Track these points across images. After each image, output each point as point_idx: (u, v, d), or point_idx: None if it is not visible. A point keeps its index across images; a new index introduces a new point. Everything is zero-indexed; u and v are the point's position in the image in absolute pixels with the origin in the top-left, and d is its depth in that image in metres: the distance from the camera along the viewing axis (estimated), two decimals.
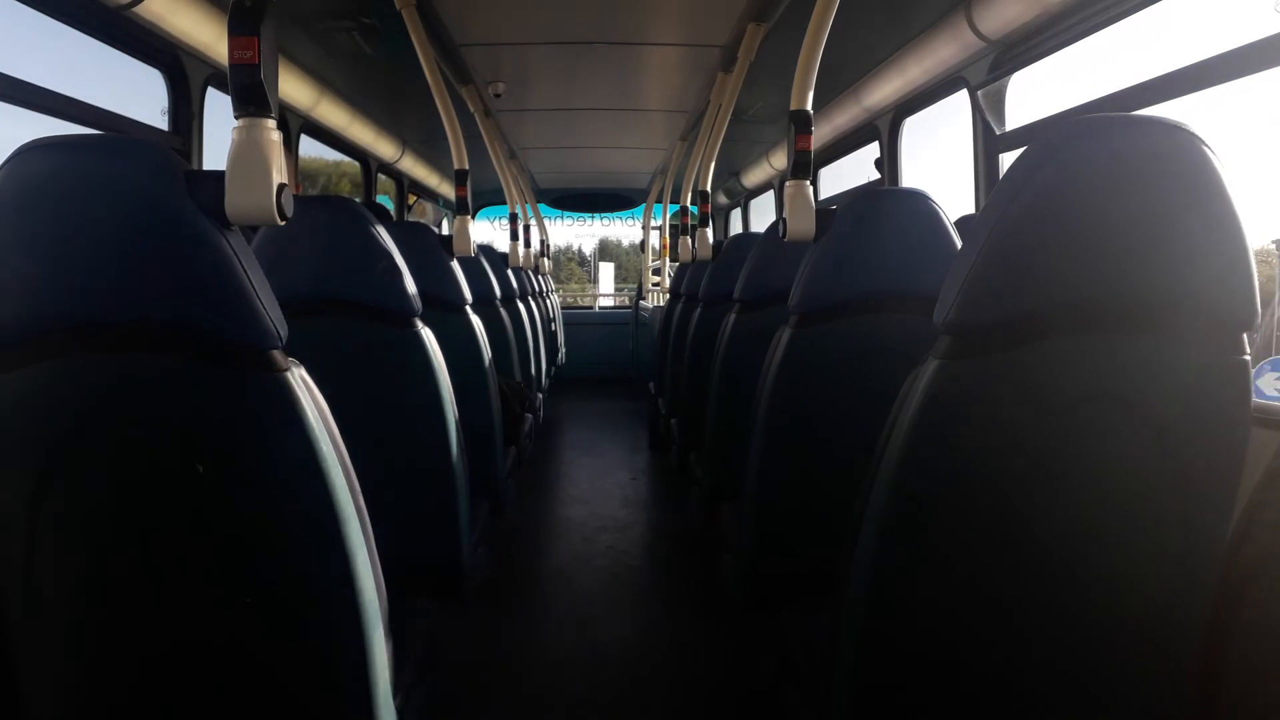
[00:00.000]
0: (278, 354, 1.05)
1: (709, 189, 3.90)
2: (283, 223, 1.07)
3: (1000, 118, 2.93)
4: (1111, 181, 0.97)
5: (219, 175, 1.02)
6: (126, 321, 1.00)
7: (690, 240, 3.92)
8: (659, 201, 6.64)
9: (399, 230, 2.34)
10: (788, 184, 1.79)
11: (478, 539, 2.20)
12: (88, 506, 1.07)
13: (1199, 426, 1.05)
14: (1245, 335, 1.04)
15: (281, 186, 1.05)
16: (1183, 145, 0.98)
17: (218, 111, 2.92)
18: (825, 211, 1.72)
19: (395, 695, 1.23)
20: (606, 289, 14.62)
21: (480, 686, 2.19)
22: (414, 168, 5.85)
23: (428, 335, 1.84)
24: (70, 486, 1.05)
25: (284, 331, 1.06)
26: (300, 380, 1.07)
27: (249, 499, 1.07)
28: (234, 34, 1.03)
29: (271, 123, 1.06)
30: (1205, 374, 1.04)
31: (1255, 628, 1.13)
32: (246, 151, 1.04)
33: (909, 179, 3.83)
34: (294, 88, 3.56)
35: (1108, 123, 0.98)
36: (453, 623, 2.50)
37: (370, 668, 1.15)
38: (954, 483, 1.06)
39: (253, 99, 1.04)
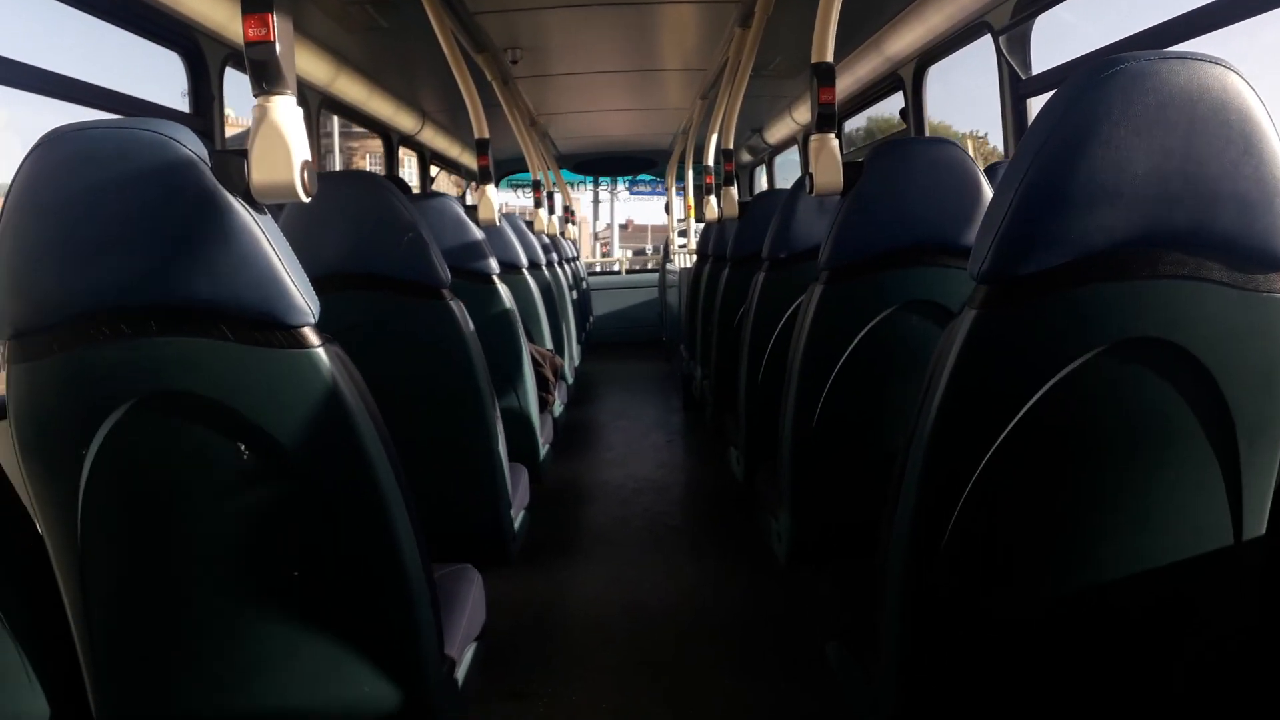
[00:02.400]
0: (310, 331, 1.07)
1: (732, 147, 3.86)
2: (307, 199, 1.08)
3: (1026, 62, 2.88)
4: (1144, 122, 0.96)
5: (242, 154, 1.03)
6: (158, 304, 1.02)
7: (715, 199, 3.89)
8: (681, 162, 6.59)
9: (423, 202, 2.35)
10: (813, 138, 1.77)
11: (518, 505, 2.24)
12: (133, 488, 1.10)
13: (1243, 367, 1.04)
14: None
15: (305, 163, 1.06)
16: (1216, 81, 0.96)
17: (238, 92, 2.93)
18: (852, 165, 1.70)
19: (443, 660, 1.26)
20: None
21: (528, 648, 2.23)
22: (435, 139, 5.84)
23: (458, 306, 1.86)
24: (115, 469, 1.08)
25: (316, 308, 1.07)
26: (335, 356, 1.09)
27: (290, 475, 1.09)
28: (248, 12, 1.03)
29: (291, 99, 1.07)
30: (1248, 314, 1.02)
31: None
32: (267, 129, 1.05)
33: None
34: (311, 63, 3.56)
35: (1138, 61, 0.96)
36: (498, 586, 2.54)
37: (417, 634, 1.18)
38: (995, 433, 1.05)
39: (270, 76, 1.05)
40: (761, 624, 2.34)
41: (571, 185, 9.40)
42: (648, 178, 9.40)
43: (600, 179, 9.52)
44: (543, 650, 2.22)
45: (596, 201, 21.80)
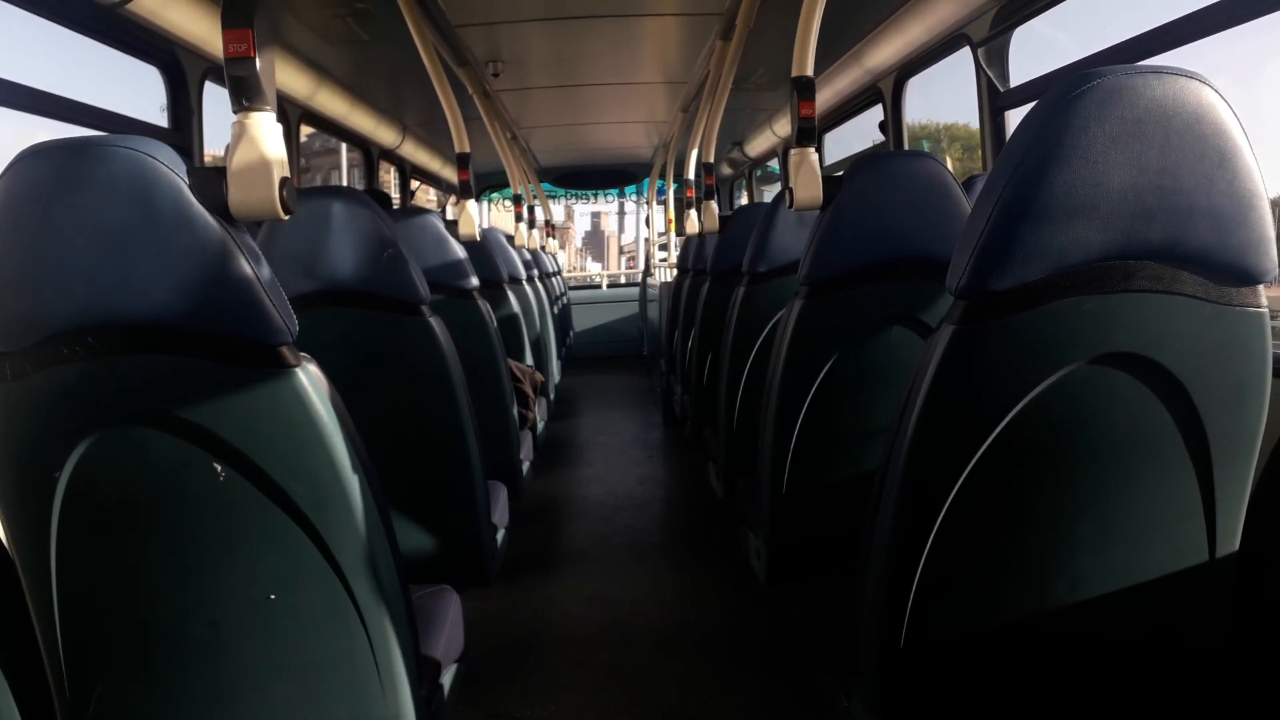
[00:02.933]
0: (287, 350, 1.05)
1: (713, 160, 3.86)
2: (286, 217, 1.07)
3: (1004, 74, 2.89)
4: (1120, 136, 0.96)
5: (220, 171, 1.02)
6: (134, 323, 1.01)
7: (696, 213, 3.89)
8: (662, 176, 6.60)
9: (403, 217, 2.33)
10: (793, 152, 1.76)
11: (497, 523, 2.21)
12: (107, 509, 1.07)
13: (1216, 381, 1.04)
14: (1262, 287, 1.03)
15: (284, 180, 1.05)
16: (1191, 95, 0.97)
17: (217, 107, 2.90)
18: (832, 179, 1.70)
19: (422, 681, 1.24)
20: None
21: (506, 669, 2.20)
22: (415, 153, 5.82)
23: (436, 323, 1.84)
24: (89, 490, 1.06)
25: (294, 327, 1.06)
26: (313, 375, 1.07)
27: (266, 494, 1.07)
28: (228, 27, 1.02)
29: (270, 115, 1.06)
30: (1220, 328, 1.03)
31: None
32: (246, 146, 1.03)
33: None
34: (291, 77, 3.54)
35: (1115, 75, 0.96)
36: (477, 606, 2.51)
37: (394, 657, 1.16)
38: (974, 447, 1.05)
39: (250, 92, 1.04)
40: (741, 640, 2.32)
41: (553, 199, 9.38)
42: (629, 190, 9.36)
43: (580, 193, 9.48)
44: (522, 670, 2.19)
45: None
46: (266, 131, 1.04)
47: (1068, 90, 0.96)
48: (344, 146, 5.30)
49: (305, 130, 3.98)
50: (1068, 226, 0.97)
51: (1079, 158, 0.95)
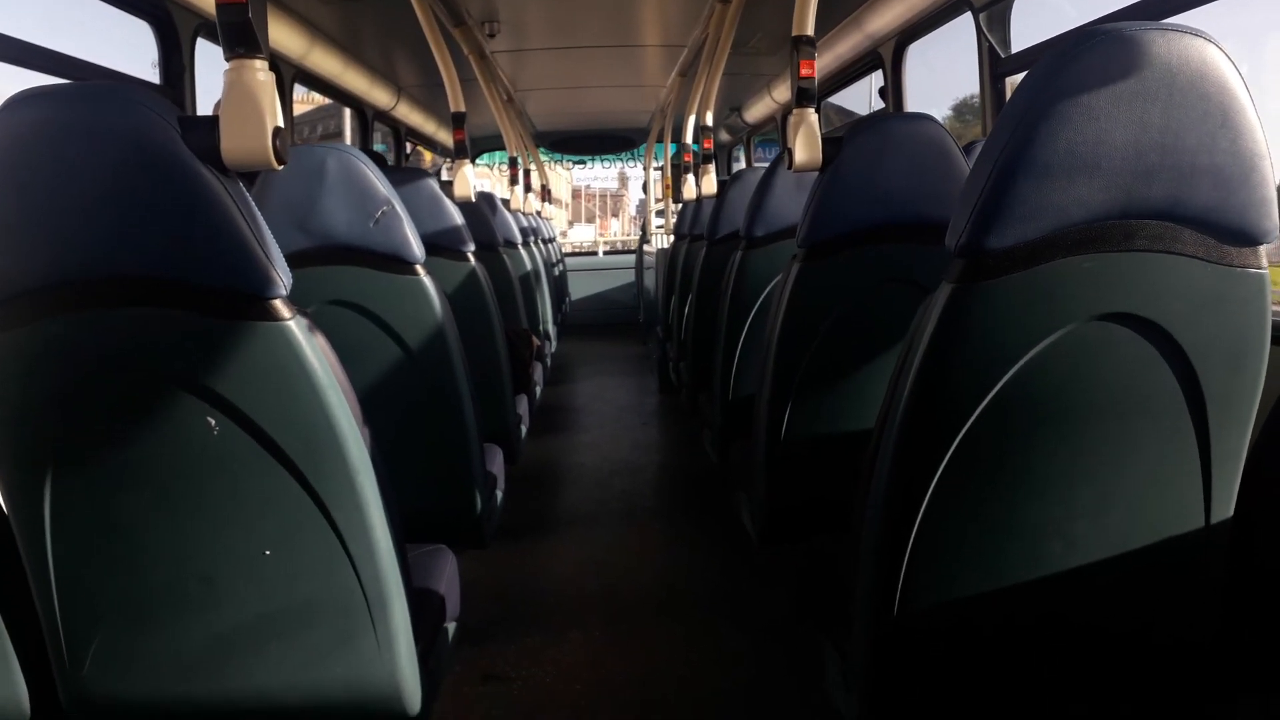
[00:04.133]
0: (281, 303, 1.04)
1: (711, 125, 3.83)
2: (280, 167, 1.05)
3: (1005, 40, 2.87)
4: (1123, 93, 0.95)
5: (213, 120, 1.00)
6: (125, 275, 1.00)
7: (694, 178, 3.86)
8: (660, 141, 6.55)
9: (398, 177, 2.31)
10: (793, 113, 1.75)
11: (493, 486, 2.22)
12: (100, 463, 1.07)
13: (1216, 343, 1.04)
14: (1263, 248, 1.03)
15: (277, 129, 1.03)
16: (1196, 53, 0.95)
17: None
18: (832, 140, 1.68)
19: (418, 641, 1.24)
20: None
21: (501, 630, 2.22)
22: (410, 114, 5.77)
23: (431, 282, 1.83)
24: (81, 444, 1.05)
25: (288, 280, 1.05)
26: (307, 329, 1.06)
27: (261, 449, 1.07)
28: None
29: (263, 64, 1.03)
30: (1219, 288, 1.02)
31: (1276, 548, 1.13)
32: (238, 94, 1.01)
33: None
34: (285, 35, 3.49)
35: (1117, 33, 0.95)
36: (472, 568, 2.53)
37: (390, 615, 1.17)
38: (971, 407, 1.05)
39: (242, 39, 1.01)
40: (735, 602, 2.34)
41: (550, 164, 9.31)
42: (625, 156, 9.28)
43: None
44: (516, 632, 2.21)
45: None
46: (259, 79, 1.02)
47: (1072, 47, 0.95)
48: (347, 111, 5.22)
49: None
50: (1069, 184, 0.97)
51: (1081, 114, 0.94)
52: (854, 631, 1.22)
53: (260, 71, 1.03)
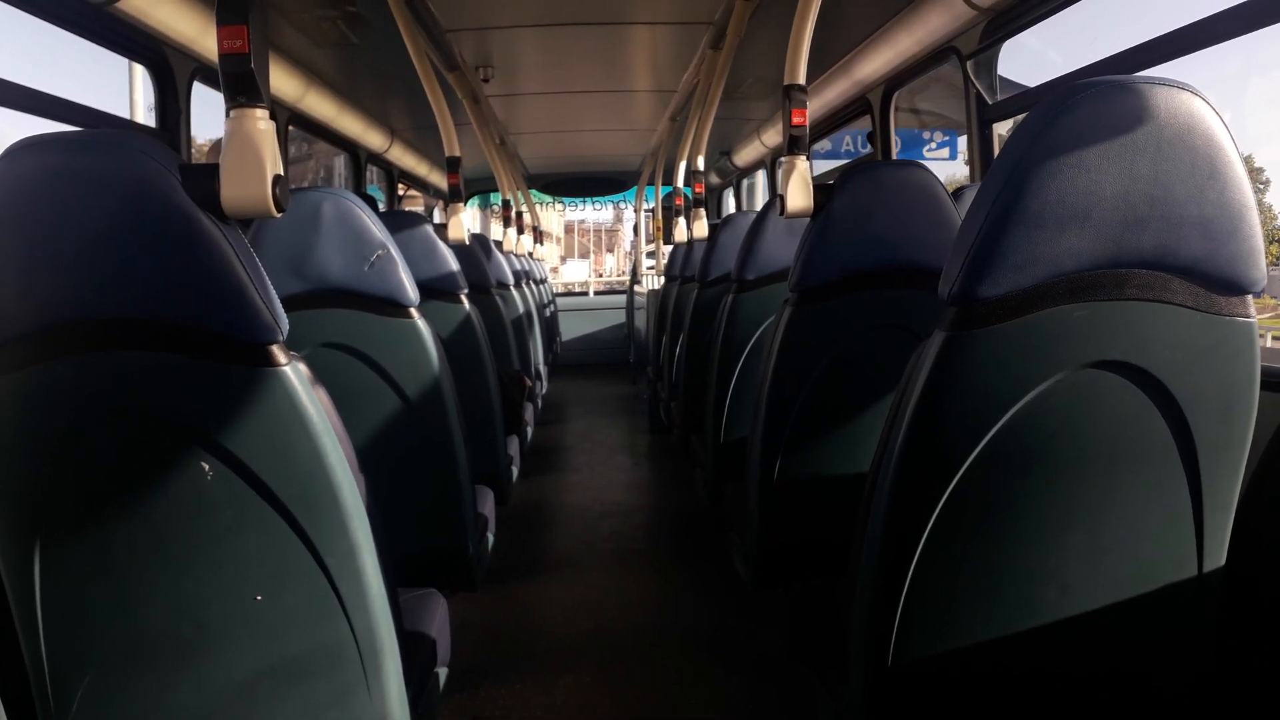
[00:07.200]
0: (278, 349, 1.04)
1: (702, 168, 3.87)
2: (279, 214, 1.06)
3: (992, 87, 2.92)
4: (1113, 145, 0.97)
5: (213, 168, 1.01)
6: (124, 319, 1.00)
7: (685, 221, 3.89)
8: (650, 183, 6.61)
9: (392, 219, 2.32)
10: (783, 160, 1.77)
11: (484, 528, 2.20)
12: (93, 506, 1.06)
13: (1205, 390, 1.05)
14: (1250, 298, 1.04)
15: (277, 177, 1.04)
16: (1183, 106, 0.97)
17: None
18: (823, 186, 1.71)
19: (409, 687, 1.23)
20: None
21: (492, 674, 2.19)
22: (403, 157, 5.81)
23: (425, 325, 1.83)
24: (75, 487, 1.05)
25: (284, 325, 1.05)
26: (301, 374, 1.06)
27: (255, 493, 1.06)
28: (223, 23, 1.02)
29: (264, 113, 1.05)
30: (1209, 337, 1.03)
31: (1270, 591, 1.13)
32: (239, 142, 1.03)
33: None
34: (281, 79, 3.52)
35: (1107, 86, 0.97)
36: (463, 611, 2.50)
37: (382, 663, 1.16)
38: (965, 454, 1.05)
39: (244, 89, 1.03)
40: (727, 645, 2.32)
41: (541, 206, 9.38)
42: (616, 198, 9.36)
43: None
44: (507, 675, 2.18)
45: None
46: (260, 128, 1.04)
47: (1062, 99, 0.97)
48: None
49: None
50: (1060, 234, 0.98)
51: (1072, 166, 0.96)
52: (849, 674, 1.21)
53: (261, 120, 1.04)
